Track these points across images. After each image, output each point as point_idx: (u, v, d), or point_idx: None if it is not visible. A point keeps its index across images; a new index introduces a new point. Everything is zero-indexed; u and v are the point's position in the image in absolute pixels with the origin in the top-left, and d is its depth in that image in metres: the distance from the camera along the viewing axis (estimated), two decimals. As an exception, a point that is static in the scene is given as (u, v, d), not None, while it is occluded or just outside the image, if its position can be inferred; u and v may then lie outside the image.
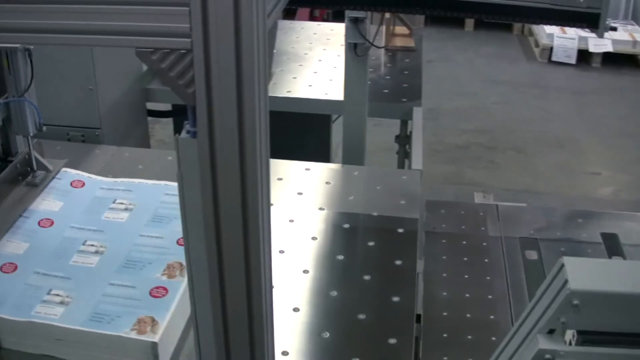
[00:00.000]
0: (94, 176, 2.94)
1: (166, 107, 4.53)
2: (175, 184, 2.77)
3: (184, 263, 2.32)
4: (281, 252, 2.64)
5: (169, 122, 5.78)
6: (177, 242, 2.50)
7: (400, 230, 2.75)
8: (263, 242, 1.59)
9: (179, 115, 4.58)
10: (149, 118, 4.17)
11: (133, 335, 2.13)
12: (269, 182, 1.56)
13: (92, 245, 2.52)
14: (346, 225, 2.81)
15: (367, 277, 2.52)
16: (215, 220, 1.53)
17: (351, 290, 2.48)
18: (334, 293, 2.45)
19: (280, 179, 3.06)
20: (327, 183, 3.08)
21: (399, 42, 4.79)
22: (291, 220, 2.82)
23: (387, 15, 4.52)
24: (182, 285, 2.32)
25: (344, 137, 3.83)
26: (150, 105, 4.14)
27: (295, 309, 2.38)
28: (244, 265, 1.60)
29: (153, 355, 2.11)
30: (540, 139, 7.15)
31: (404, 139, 4.18)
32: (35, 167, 2.89)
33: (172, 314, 2.23)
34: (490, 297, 2.67)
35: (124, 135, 3.62)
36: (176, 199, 2.75)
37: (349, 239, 2.76)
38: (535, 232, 3.02)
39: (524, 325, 1.77)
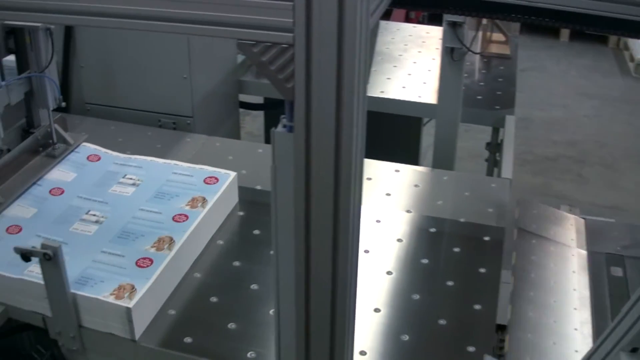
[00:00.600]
0: (110, 151, 3.07)
1: (258, 99, 4.56)
2: (184, 164, 2.95)
3: (175, 238, 2.49)
4: (366, 251, 2.63)
5: (259, 114, 5.83)
6: (173, 219, 2.62)
7: (487, 239, 2.72)
8: (352, 240, 1.58)
9: (271, 108, 4.62)
10: (240, 110, 4.20)
11: (111, 299, 2.25)
12: (361, 181, 1.55)
13: (94, 215, 2.68)
14: (432, 230, 2.79)
15: (450, 283, 2.49)
16: (306, 215, 1.53)
17: (433, 294, 2.46)
18: (416, 296, 2.43)
19: (369, 179, 3.05)
20: (415, 186, 3.06)
21: (494, 49, 4.72)
22: (378, 221, 2.81)
23: (485, 21, 4.46)
24: (167, 257, 2.43)
25: (435, 141, 3.80)
26: (242, 97, 4.17)
27: (376, 310, 2.38)
28: (331, 262, 1.60)
29: (128, 320, 2.23)
30: (630, 156, 6.97)
31: (494, 147, 4.12)
32: (55, 139, 3.07)
33: (152, 284, 2.33)
34: (574, 308, 2.61)
35: (215, 125, 3.65)
36: (181, 178, 2.90)
37: (434, 243, 2.73)
38: (622, 248, 2.94)
39: (606, 342, 1.73)
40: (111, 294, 2.26)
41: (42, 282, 2.23)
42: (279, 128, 1.48)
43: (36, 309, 2.34)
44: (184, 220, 2.60)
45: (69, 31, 3.60)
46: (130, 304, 2.21)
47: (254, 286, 2.44)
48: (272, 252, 2.48)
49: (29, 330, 2.67)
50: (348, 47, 1.36)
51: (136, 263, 2.40)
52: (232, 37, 1.43)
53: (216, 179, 2.83)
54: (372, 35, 4.43)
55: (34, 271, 2.35)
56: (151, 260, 2.41)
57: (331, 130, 1.42)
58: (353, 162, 1.46)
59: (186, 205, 2.69)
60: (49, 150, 3.04)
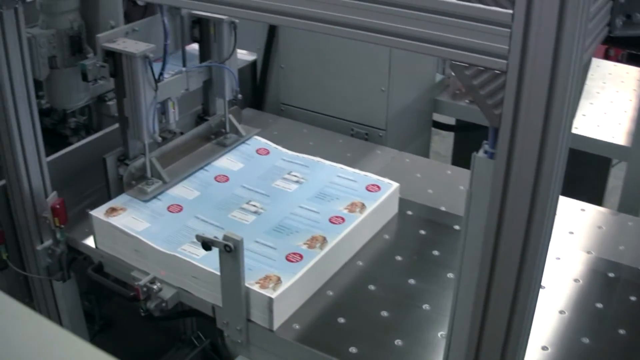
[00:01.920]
0: (279, 147, 3.17)
1: (449, 120, 4.54)
2: (349, 169, 2.99)
3: (328, 239, 2.53)
4: (542, 287, 2.57)
5: (448, 135, 5.79)
6: (329, 220, 2.67)
7: (666, 293, 2.59)
8: (536, 275, 1.56)
9: (462, 131, 4.58)
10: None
11: (255, 287, 2.30)
12: (554, 217, 1.53)
13: (254, 205, 2.77)
14: (611, 274, 2.68)
15: (622, 332, 2.39)
16: (495, 243, 1.52)
17: (603, 341, 2.36)
18: (586, 340, 2.33)
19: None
20: (599, 227, 2.96)
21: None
22: (557, 258, 2.74)
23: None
24: (317, 256, 2.47)
25: (623, 185, 3.65)
26: (435, 117, 4.16)
27: (544, 348, 2.30)
28: (512, 293, 1.59)
29: (268, 310, 2.28)
30: None
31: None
32: (227, 129, 3.22)
33: (298, 279, 2.37)
34: None
35: (405, 141, 3.66)
36: (344, 182, 2.93)
37: (610, 289, 2.63)
38: None
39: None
40: (257, 282, 2.32)
41: (217, 272, 2.31)
42: (480, 153, 1.47)
43: (207, 297, 2.42)
44: (340, 223, 2.64)
45: (272, 30, 3.72)
46: (274, 295, 2.27)
47: (425, 306, 2.43)
48: (450, 275, 2.51)
49: (194, 315, 2.79)
50: (561, 80, 1.35)
51: (286, 257, 2.46)
52: (446, 57, 1.44)
53: (378, 187, 2.85)
54: (583, 71, 4.31)
55: (186, 250, 2.47)
56: (301, 256, 2.47)
57: (533, 161, 1.40)
58: (550, 197, 1.44)
59: (344, 208, 2.73)
60: (220, 138, 3.20)
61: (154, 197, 2.80)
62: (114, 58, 2.66)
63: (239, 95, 3.17)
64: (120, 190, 2.81)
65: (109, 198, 2.79)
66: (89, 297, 3.18)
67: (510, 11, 1.33)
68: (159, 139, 2.82)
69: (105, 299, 3.33)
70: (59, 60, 3.01)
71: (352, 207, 2.72)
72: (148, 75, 2.66)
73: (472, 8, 1.37)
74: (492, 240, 1.53)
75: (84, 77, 2.89)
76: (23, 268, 2.89)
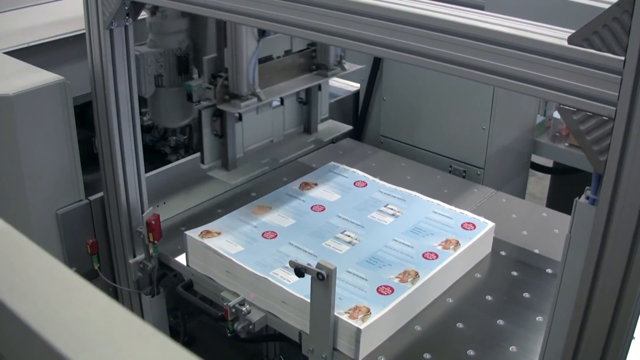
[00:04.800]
0: (377, 180, 3.18)
1: (547, 162, 4.48)
2: (445, 205, 2.98)
3: (420, 274, 2.52)
4: (633, 338, 2.51)
5: (544, 177, 5.72)
6: (423, 255, 2.66)
7: None
8: (630, 325, 1.53)
9: (559, 174, 4.51)
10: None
11: (345, 317, 2.30)
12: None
13: (348, 235, 2.78)
14: None
15: None
16: (590, 290, 1.50)
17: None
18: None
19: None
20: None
21: None
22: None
23: None
24: (408, 290, 2.46)
25: None
26: (533, 158, 4.12)
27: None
28: (603, 343, 1.56)
29: (355, 340, 2.26)
30: None
31: None
32: (332, 60, 3.27)
33: (388, 312, 2.35)
34: None
35: (503, 181, 3.63)
36: (440, 218, 2.91)
37: None
38: None
39: None
40: (346, 312, 2.33)
41: (307, 298, 2.32)
42: (582, 199, 1.46)
43: (295, 323, 2.44)
44: (433, 259, 2.63)
45: (377, 62, 3.74)
46: (362, 326, 2.26)
47: (512, 348, 2.40)
48: (539, 318, 2.47)
49: (279, 340, 2.81)
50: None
51: (377, 289, 2.46)
52: (555, 101, 1.43)
53: (474, 225, 2.83)
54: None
55: (278, 274, 2.50)
56: (392, 290, 2.46)
57: (635, 210, 1.38)
58: (651, 247, 1.42)
59: (439, 245, 2.72)
60: (322, 70, 3.28)
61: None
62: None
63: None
64: (213, 145, 3.06)
65: (202, 149, 3.02)
66: (175, 313, 3.24)
67: (622, 58, 1.32)
68: (259, 90, 2.88)
69: (191, 316, 3.39)
70: (165, 79, 3.07)
71: (446, 244, 2.71)
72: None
73: (583, 53, 1.37)
74: (587, 286, 1.51)
75: (189, 98, 2.96)
76: (113, 279, 2.96)
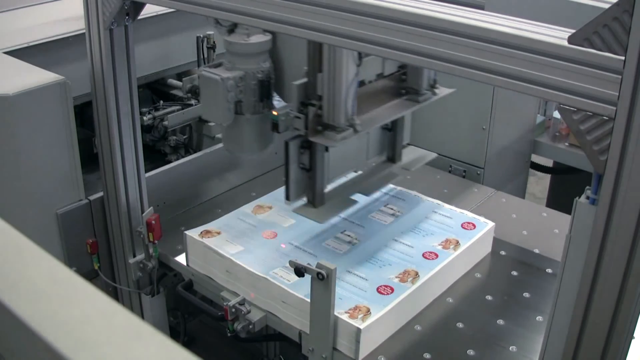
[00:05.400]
0: None
1: (547, 162, 4.48)
2: (446, 205, 2.96)
3: (420, 273, 2.52)
4: (633, 338, 2.51)
5: (544, 177, 5.71)
6: (423, 255, 2.66)
7: None
8: (630, 324, 1.53)
9: (559, 173, 4.51)
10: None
11: (345, 317, 2.30)
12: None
13: (349, 235, 2.79)
14: None
15: None
16: (590, 290, 1.50)
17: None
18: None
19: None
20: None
21: None
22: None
23: None
24: (408, 290, 2.46)
25: None
26: (533, 157, 4.11)
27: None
28: (603, 344, 1.56)
29: (355, 340, 2.27)
30: None
31: None
32: (424, 84, 2.81)
33: (388, 311, 2.36)
34: None
35: (502, 181, 3.63)
36: (440, 218, 2.90)
37: None
38: None
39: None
40: (346, 312, 2.33)
41: (307, 298, 2.32)
42: (582, 199, 1.46)
43: (295, 323, 2.44)
44: (433, 259, 2.64)
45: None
46: (362, 325, 2.27)
47: (512, 348, 2.40)
48: (539, 318, 2.47)
49: (279, 340, 2.81)
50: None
51: (377, 289, 2.47)
52: (555, 101, 1.43)
53: (474, 225, 2.84)
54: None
55: (278, 274, 2.50)
56: (392, 289, 2.46)
57: (635, 210, 1.38)
58: (652, 246, 1.41)
59: (439, 244, 2.72)
60: (412, 95, 2.81)
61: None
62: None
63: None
64: (300, 179, 2.59)
65: (287, 184, 2.56)
66: (175, 313, 3.24)
67: (622, 57, 1.32)
68: (357, 121, 2.48)
69: (191, 316, 3.39)
70: (244, 105, 2.70)
71: (446, 244, 2.71)
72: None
73: (583, 52, 1.37)
74: (588, 285, 1.51)
75: (274, 128, 2.58)
76: (113, 279, 2.96)
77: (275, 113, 2.54)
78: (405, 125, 3.01)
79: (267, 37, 2.68)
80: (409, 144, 3.10)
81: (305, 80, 2.49)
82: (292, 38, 2.21)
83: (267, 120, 2.66)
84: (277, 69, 2.77)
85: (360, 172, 2.94)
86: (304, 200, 2.65)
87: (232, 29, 2.67)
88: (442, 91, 2.87)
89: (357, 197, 3.00)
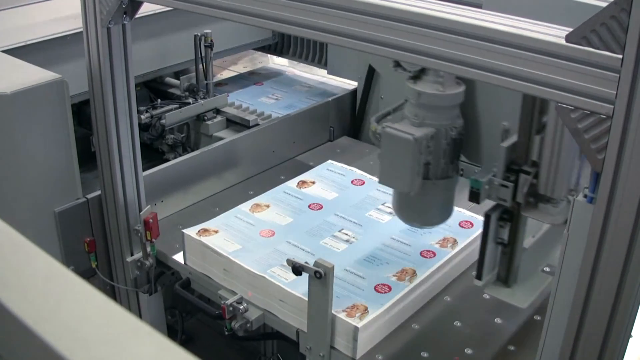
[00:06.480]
0: (375, 178, 3.14)
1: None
2: None
3: (418, 272, 2.53)
4: (630, 336, 2.51)
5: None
6: (420, 253, 2.67)
7: None
8: (627, 322, 1.53)
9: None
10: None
11: (342, 315, 2.31)
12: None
13: (346, 234, 2.80)
14: None
15: None
16: (588, 289, 1.50)
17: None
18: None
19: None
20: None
21: None
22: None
23: None
24: (405, 289, 2.46)
25: None
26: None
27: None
28: (601, 341, 1.56)
29: (353, 338, 2.27)
30: None
31: None
32: None
33: (385, 310, 2.36)
34: None
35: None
36: None
37: None
38: None
39: None
40: (343, 311, 2.33)
41: (304, 297, 2.32)
42: (580, 197, 1.46)
43: (293, 321, 2.44)
44: (430, 257, 2.65)
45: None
46: (359, 324, 2.27)
47: (510, 347, 2.40)
48: (537, 317, 2.47)
49: (277, 338, 2.81)
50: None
51: (375, 287, 2.47)
52: (553, 99, 1.43)
53: (471, 223, 2.85)
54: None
55: (275, 272, 2.51)
56: (389, 288, 2.47)
57: (633, 208, 1.38)
58: (648, 245, 1.41)
59: (436, 243, 2.73)
60: None
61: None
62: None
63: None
64: (494, 252, 2.17)
65: (481, 261, 2.15)
66: (173, 311, 3.24)
67: (620, 56, 1.32)
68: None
69: (189, 314, 3.39)
70: (432, 168, 2.27)
71: (444, 242, 2.72)
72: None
73: (581, 51, 1.36)
74: (585, 284, 1.51)
75: (474, 197, 2.08)
76: (111, 278, 2.96)
77: (477, 180, 2.05)
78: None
79: (462, 87, 2.21)
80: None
81: (514, 140, 2.02)
82: (493, 88, 1.63)
83: (453, 186, 2.40)
84: (469, 125, 2.33)
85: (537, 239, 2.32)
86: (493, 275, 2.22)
87: (419, 74, 2.24)
88: None
89: (356, 196, 3.01)
